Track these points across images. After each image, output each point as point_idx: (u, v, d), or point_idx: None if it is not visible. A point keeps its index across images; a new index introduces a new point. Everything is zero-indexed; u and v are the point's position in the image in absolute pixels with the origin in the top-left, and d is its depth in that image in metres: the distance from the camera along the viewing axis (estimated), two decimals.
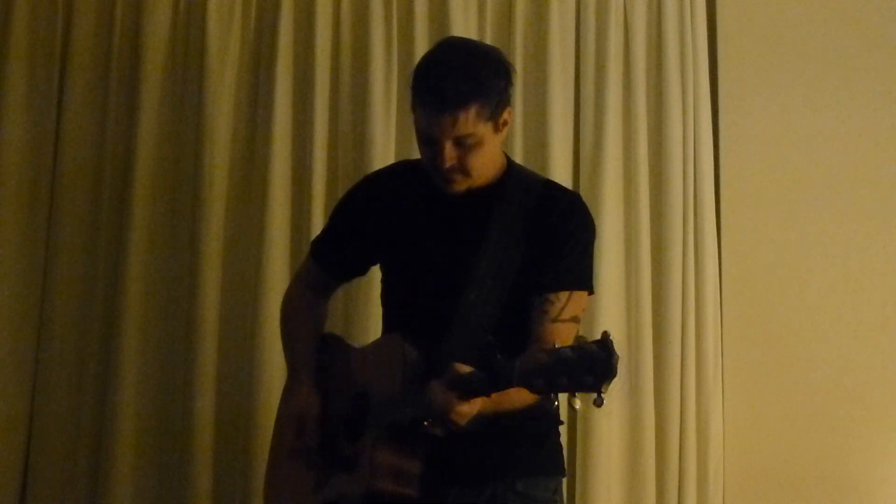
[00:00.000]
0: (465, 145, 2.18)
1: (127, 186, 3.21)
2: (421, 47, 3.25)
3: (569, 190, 2.45)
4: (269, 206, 3.20)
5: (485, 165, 2.24)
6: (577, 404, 1.82)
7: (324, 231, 2.58)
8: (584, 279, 2.27)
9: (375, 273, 2.53)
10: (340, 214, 2.52)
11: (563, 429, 2.44)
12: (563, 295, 2.20)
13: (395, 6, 3.29)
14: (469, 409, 2.00)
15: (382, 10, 3.29)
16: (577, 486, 3.13)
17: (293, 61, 3.28)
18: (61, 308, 3.21)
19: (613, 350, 1.78)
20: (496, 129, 2.22)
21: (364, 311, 3.09)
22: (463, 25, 3.27)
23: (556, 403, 1.88)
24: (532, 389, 1.86)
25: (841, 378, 3.25)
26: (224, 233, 3.23)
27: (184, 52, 3.30)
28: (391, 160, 3.20)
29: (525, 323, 2.21)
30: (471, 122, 2.15)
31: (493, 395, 2.01)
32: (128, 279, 3.17)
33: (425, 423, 2.06)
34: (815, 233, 3.32)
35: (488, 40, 3.29)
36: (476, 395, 1.98)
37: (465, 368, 2.00)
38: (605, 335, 1.80)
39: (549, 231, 2.25)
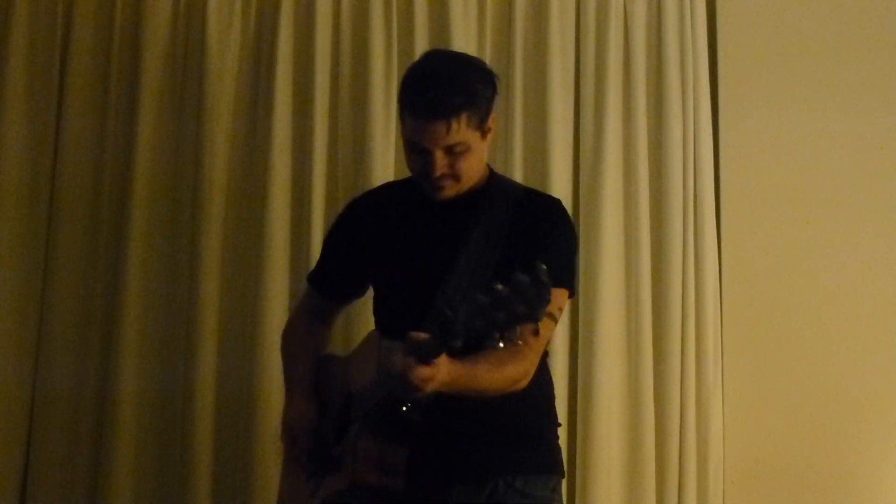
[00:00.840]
0: (455, 153, 2.23)
1: (127, 186, 3.22)
2: (421, 48, 3.25)
3: (549, 195, 2.50)
4: (269, 205, 3.21)
5: (473, 170, 2.30)
6: (518, 339, 1.85)
7: (318, 260, 2.63)
8: (562, 277, 2.27)
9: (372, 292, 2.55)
10: (331, 240, 2.59)
11: (562, 430, 2.45)
12: None
13: (395, 7, 3.29)
14: (430, 372, 2.01)
15: (382, 10, 3.29)
16: (577, 486, 3.13)
17: (293, 61, 3.28)
18: (61, 307, 3.21)
19: (543, 277, 1.79)
20: (483, 136, 2.28)
21: (363, 331, 3.09)
22: (463, 26, 3.27)
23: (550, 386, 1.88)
24: (477, 334, 1.87)
25: (841, 378, 3.26)
26: (224, 232, 3.23)
27: (184, 52, 3.31)
28: (391, 160, 3.22)
29: None
30: (461, 130, 2.21)
31: (460, 368, 2.05)
32: (128, 279, 3.17)
33: (403, 408, 2.09)
34: (815, 232, 3.32)
35: (488, 41, 3.30)
36: (432, 354, 2.00)
37: (422, 335, 2.02)
38: (534, 265, 1.81)
39: (529, 230, 2.29)
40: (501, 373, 2.16)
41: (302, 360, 2.53)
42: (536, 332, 1.83)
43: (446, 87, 2.19)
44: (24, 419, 3.18)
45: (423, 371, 2.01)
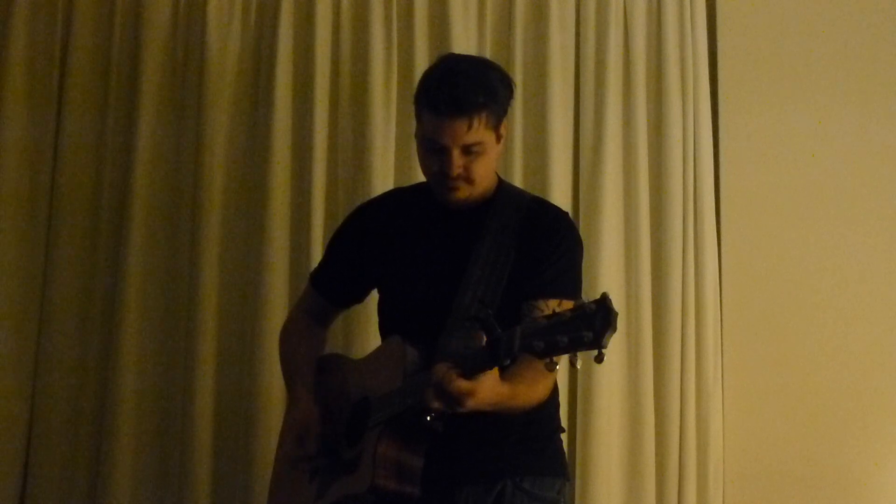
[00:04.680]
0: (472, 153, 2.25)
1: (127, 186, 3.21)
2: (421, 49, 3.26)
3: (556, 206, 2.51)
4: (269, 205, 3.20)
5: (486, 174, 2.31)
6: (579, 363, 1.85)
7: (322, 261, 2.64)
8: (572, 289, 2.30)
9: (374, 295, 2.55)
10: (336, 243, 2.58)
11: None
12: (553, 302, 2.21)
13: (395, 7, 3.28)
14: (471, 387, 2.00)
15: (382, 10, 3.28)
16: (577, 486, 3.13)
17: (293, 62, 3.27)
18: (61, 307, 3.21)
19: (611, 306, 1.80)
20: (497, 140, 2.30)
21: (363, 331, 3.10)
22: (463, 27, 3.27)
23: (558, 364, 1.89)
24: (534, 353, 1.87)
25: (840, 378, 3.26)
26: (224, 232, 3.23)
27: (184, 52, 3.30)
28: (391, 160, 3.23)
29: None
30: (481, 129, 2.23)
31: (504, 389, 2.05)
32: (128, 279, 3.16)
33: (428, 417, 2.07)
34: (815, 232, 3.32)
35: (488, 42, 3.30)
36: (480, 369, 2.00)
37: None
38: (604, 295, 1.82)
39: (537, 242, 2.30)
40: (536, 390, 2.18)
41: (304, 359, 2.52)
42: (601, 359, 1.82)
43: (470, 85, 2.21)
44: (24, 419, 3.17)
45: (464, 384, 2.00)
